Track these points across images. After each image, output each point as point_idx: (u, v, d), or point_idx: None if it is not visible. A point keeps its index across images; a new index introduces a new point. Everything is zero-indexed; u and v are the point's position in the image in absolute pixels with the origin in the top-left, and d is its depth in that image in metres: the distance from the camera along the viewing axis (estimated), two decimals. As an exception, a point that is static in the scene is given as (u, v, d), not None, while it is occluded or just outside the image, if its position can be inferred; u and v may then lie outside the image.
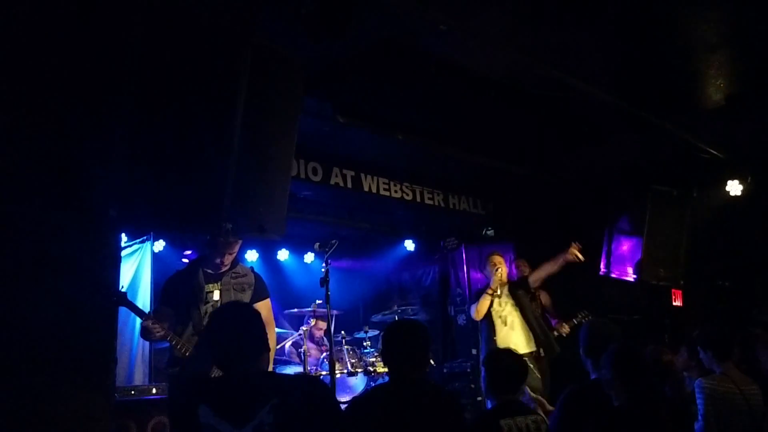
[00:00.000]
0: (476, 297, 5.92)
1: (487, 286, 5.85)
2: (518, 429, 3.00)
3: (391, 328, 3.10)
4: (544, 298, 6.69)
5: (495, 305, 5.80)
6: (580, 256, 5.75)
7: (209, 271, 4.33)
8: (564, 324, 6.23)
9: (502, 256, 6.07)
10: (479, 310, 5.76)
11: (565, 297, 6.44)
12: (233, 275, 4.39)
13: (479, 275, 7.05)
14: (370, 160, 6.41)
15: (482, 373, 3.35)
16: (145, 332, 4.09)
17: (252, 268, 4.55)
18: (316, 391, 2.33)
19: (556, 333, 6.23)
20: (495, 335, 5.70)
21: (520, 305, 5.82)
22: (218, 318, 2.46)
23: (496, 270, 5.79)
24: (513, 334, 5.69)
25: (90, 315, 3.55)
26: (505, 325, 5.75)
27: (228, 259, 4.32)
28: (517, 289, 5.94)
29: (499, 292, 5.80)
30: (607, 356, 3.08)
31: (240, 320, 2.40)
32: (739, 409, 3.68)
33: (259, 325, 2.42)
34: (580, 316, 6.17)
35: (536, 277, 5.98)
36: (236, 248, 4.34)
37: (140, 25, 2.94)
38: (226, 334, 2.38)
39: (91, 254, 3.61)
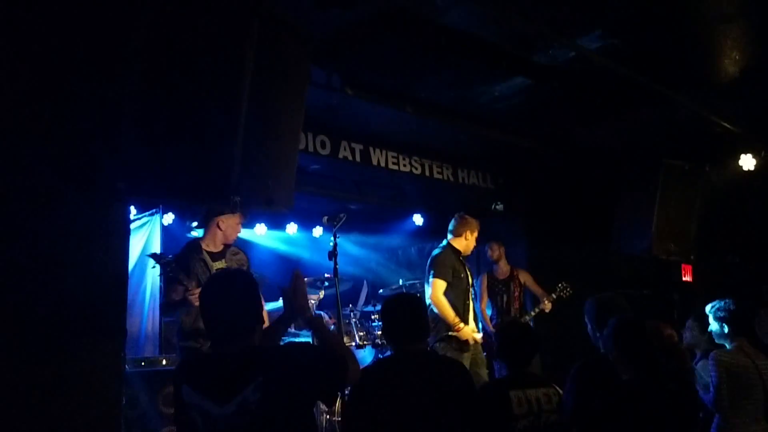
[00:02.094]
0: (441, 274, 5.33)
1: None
2: (527, 401, 3.01)
3: (387, 303, 3.11)
4: (524, 276, 6.71)
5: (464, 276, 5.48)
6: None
7: (212, 250, 4.38)
8: (545, 300, 6.22)
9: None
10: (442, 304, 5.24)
11: (575, 272, 6.41)
12: (232, 252, 4.46)
13: (487, 249, 6.99)
14: (378, 134, 6.36)
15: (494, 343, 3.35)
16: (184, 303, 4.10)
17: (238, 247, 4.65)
18: (304, 359, 2.26)
19: (537, 310, 6.22)
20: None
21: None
22: (206, 292, 2.40)
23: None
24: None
25: (98, 287, 3.57)
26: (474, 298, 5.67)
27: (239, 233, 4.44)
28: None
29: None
30: (609, 331, 3.07)
31: (228, 295, 2.30)
32: (754, 383, 3.68)
33: (249, 299, 2.33)
34: (559, 289, 6.15)
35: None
36: None
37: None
38: (212, 309, 2.31)
39: (99, 227, 3.61)
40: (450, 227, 5.74)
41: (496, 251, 6.78)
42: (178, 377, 2.27)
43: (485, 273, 6.89)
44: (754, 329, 4.18)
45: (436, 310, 5.28)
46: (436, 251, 5.61)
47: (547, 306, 6.18)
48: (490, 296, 6.75)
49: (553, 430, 3.08)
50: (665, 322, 4.16)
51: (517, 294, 6.67)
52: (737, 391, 3.67)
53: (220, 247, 4.44)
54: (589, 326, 3.46)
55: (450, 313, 5.22)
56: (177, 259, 4.32)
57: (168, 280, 4.22)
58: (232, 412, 2.08)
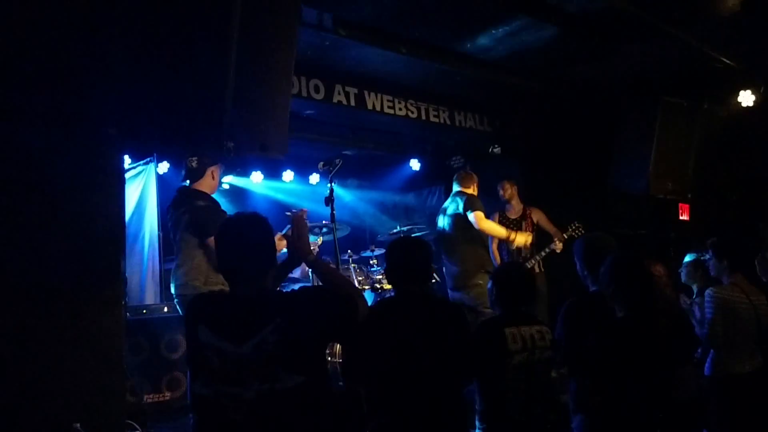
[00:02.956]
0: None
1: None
2: (522, 338, 3.05)
3: (394, 245, 3.12)
4: (537, 215, 6.59)
5: None
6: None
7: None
8: (556, 240, 6.18)
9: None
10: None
11: (572, 212, 6.41)
12: None
13: (499, 189, 6.93)
14: (373, 77, 6.25)
15: (489, 286, 3.37)
16: None
17: None
18: (320, 301, 2.31)
19: (548, 250, 6.20)
20: None
21: None
22: (224, 234, 2.41)
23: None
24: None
25: (96, 234, 3.58)
26: None
27: None
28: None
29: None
30: (606, 268, 3.09)
31: (245, 238, 2.31)
32: (748, 319, 3.71)
33: (265, 242, 2.34)
34: (571, 229, 6.07)
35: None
36: None
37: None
38: (229, 251, 2.32)
39: (93, 173, 3.60)
40: (457, 182, 6.01)
41: (508, 190, 6.64)
42: (194, 317, 2.28)
43: (497, 212, 6.74)
44: (752, 265, 4.18)
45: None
46: (458, 200, 5.82)
47: (558, 246, 6.11)
48: None
49: (547, 365, 3.14)
50: (656, 259, 4.18)
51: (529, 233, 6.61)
52: (732, 326, 3.71)
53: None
54: (578, 265, 3.48)
55: (502, 230, 5.86)
56: (217, 210, 4.31)
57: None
58: (249, 352, 2.11)
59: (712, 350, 3.82)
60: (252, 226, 2.35)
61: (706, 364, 3.84)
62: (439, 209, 8.96)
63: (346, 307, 2.34)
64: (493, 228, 5.84)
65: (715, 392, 3.80)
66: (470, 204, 5.67)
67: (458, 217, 5.75)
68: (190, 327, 2.26)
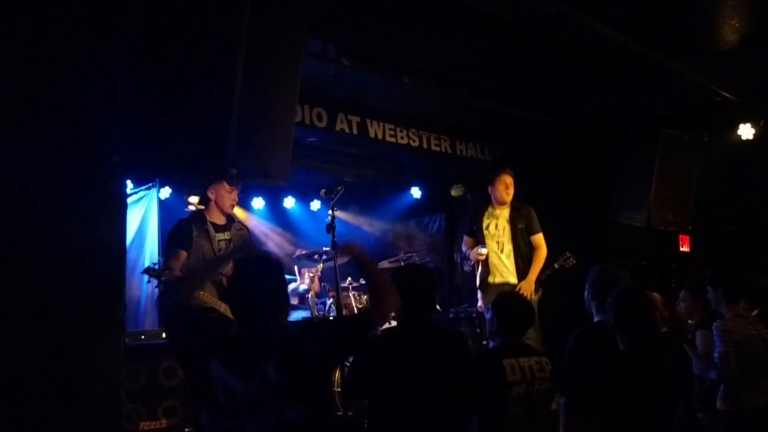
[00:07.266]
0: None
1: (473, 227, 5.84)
2: (521, 369, 3.03)
3: (398, 273, 3.11)
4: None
5: (491, 228, 5.71)
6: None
7: (215, 222, 4.43)
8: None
9: (513, 177, 5.77)
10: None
11: (571, 242, 6.41)
12: (237, 227, 4.50)
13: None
14: (376, 106, 6.31)
15: (488, 316, 3.35)
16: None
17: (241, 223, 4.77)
18: (319, 335, 2.32)
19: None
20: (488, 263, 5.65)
21: (514, 237, 5.68)
22: (237, 274, 2.44)
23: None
24: (507, 263, 5.64)
25: (97, 260, 3.57)
26: (502, 252, 5.66)
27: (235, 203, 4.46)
28: (518, 220, 5.74)
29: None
30: (611, 300, 3.09)
31: (257, 280, 2.34)
32: (758, 351, 3.67)
33: (280, 283, 2.40)
34: (562, 259, 5.81)
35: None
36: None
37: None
38: (241, 291, 2.36)
39: (96, 200, 3.60)
40: None
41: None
42: (208, 351, 2.26)
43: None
44: (750, 296, 4.14)
45: None
46: None
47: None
48: None
49: (547, 397, 3.12)
50: (658, 292, 4.16)
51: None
52: (745, 359, 3.65)
53: (223, 220, 4.50)
54: (586, 293, 3.47)
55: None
56: (182, 224, 4.41)
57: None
58: (254, 388, 2.14)
59: (722, 385, 3.75)
60: (265, 268, 2.39)
61: (718, 399, 3.77)
62: (438, 236, 9.06)
63: (356, 332, 2.41)
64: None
65: (726, 427, 3.75)
66: None
67: None
68: (202, 359, 2.24)
